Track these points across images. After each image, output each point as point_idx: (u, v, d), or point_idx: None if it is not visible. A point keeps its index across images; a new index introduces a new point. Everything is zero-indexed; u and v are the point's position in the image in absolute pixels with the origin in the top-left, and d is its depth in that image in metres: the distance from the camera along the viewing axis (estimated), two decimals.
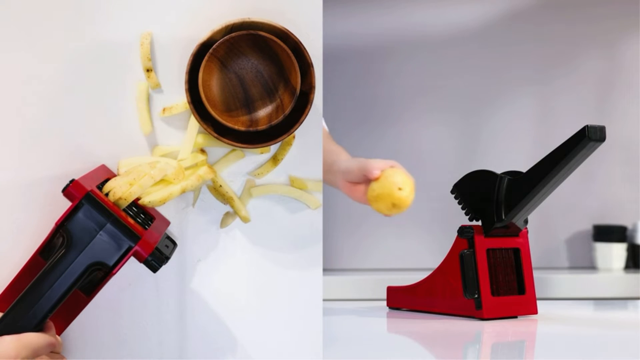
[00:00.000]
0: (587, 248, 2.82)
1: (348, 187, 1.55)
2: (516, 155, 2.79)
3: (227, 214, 1.02)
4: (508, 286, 1.39)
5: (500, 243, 1.39)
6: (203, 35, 0.97)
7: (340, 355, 1.10)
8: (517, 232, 1.40)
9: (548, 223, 2.80)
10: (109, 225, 0.91)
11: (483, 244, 1.36)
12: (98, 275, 0.93)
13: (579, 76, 2.83)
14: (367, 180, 1.46)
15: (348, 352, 1.14)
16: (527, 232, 1.42)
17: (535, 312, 1.40)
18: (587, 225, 2.83)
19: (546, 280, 2.43)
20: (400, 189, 1.35)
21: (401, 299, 1.48)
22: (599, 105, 2.84)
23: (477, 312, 1.35)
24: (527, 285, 1.39)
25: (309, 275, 1.03)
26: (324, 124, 1.71)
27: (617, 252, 2.71)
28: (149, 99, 1.01)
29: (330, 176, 1.62)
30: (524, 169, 1.35)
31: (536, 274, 1.44)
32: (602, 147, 1.30)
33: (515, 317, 1.39)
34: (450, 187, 1.44)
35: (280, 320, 1.03)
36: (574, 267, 2.84)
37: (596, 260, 2.74)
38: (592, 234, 2.78)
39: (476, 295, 1.34)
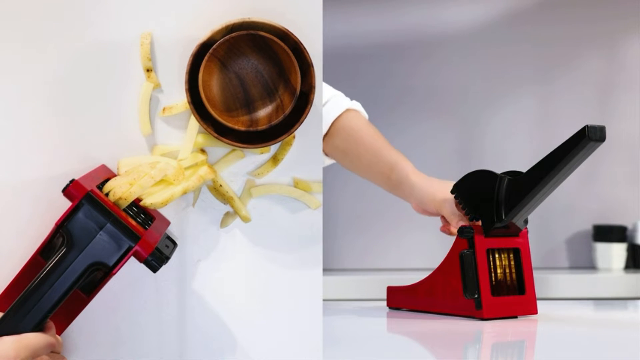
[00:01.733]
0: (587, 248, 2.82)
1: (421, 211, 1.56)
2: (516, 155, 2.79)
3: (227, 214, 1.02)
4: (508, 286, 1.39)
5: (500, 243, 1.38)
6: (203, 35, 0.97)
7: (340, 355, 1.10)
8: (517, 232, 1.40)
9: (548, 223, 2.80)
10: (109, 225, 0.90)
11: (483, 244, 1.36)
12: (98, 275, 0.93)
13: (579, 76, 2.83)
14: (443, 218, 1.49)
15: (348, 352, 1.14)
16: (527, 232, 1.42)
17: (535, 312, 1.40)
18: (587, 225, 2.83)
19: (546, 280, 2.43)
20: None
21: (401, 299, 1.47)
22: (599, 105, 2.84)
23: (477, 312, 1.35)
24: (527, 285, 1.39)
25: (309, 275, 1.03)
26: (365, 114, 1.67)
27: (617, 252, 2.71)
28: (150, 100, 1.01)
29: (398, 192, 1.60)
30: (524, 169, 1.35)
31: (536, 274, 1.44)
32: (602, 147, 1.30)
33: (515, 317, 1.39)
34: (450, 187, 1.44)
35: (280, 320, 1.03)
36: (574, 267, 2.84)
37: (596, 260, 2.74)
38: (592, 234, 2.78)
39: (476, 295, 1.34)
